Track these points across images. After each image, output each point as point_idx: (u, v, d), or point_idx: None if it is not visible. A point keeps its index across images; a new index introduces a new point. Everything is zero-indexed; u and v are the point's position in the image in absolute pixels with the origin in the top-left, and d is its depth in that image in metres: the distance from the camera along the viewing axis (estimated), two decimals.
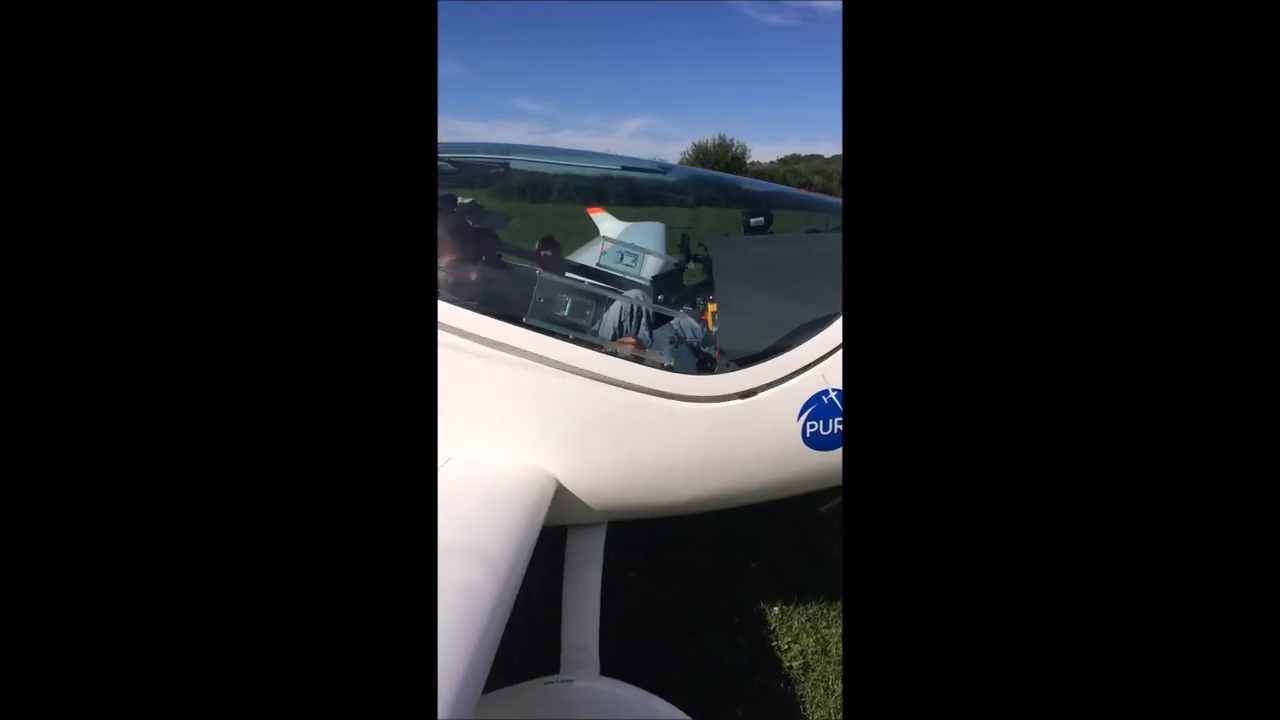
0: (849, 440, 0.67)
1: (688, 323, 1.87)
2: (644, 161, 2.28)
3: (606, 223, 5.84)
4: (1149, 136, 0.61)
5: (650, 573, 2.12)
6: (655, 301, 1.85)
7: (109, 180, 0.61)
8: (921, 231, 0.64)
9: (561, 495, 1.41)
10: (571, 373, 1.36)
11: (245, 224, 0.63)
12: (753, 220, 1.82)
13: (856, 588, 0.64)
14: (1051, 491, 0.61)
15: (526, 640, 1.05)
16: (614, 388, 1.37)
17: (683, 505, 1.59)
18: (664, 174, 2.30)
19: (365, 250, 0.64)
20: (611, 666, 1.49)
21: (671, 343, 1.79)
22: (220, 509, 0.61)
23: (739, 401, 1.36)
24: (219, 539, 0.60)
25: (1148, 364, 0.60)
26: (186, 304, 0.62)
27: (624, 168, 2.17)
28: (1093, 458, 0.60)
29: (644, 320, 1.81)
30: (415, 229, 0.66)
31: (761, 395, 1.36)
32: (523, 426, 1.40)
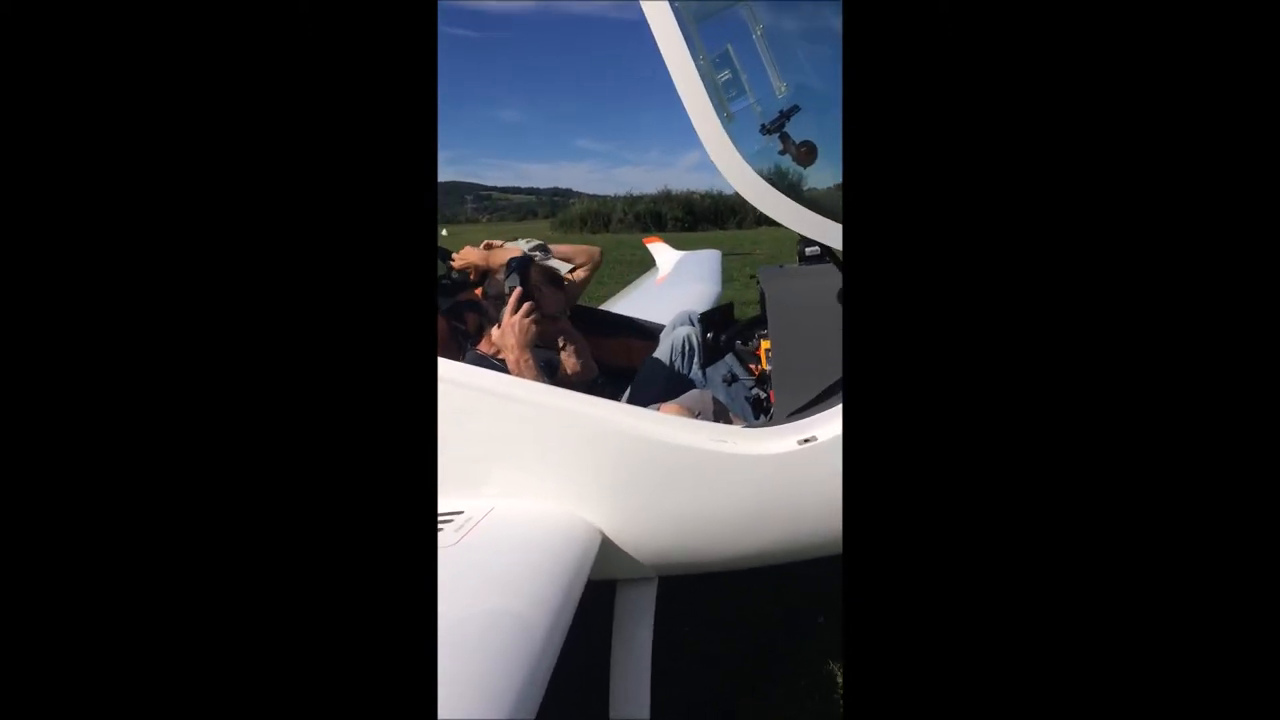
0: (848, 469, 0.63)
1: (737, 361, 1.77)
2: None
3: (663, 253, 5.70)
4: (1164, 139, 0.57)
5: (707, 629, 1.99)
6: (705, 338, 1.76)
7: (95, 185, 0.59)
8: (926, 245, 0.61)
9: (608, 547, 1.33)
10: (618, 415, 1.29)
11: (243, 235, 0.61)
12: (808, 250, 1.72)
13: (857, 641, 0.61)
14: (1054, 526, 0.58)
15: (569, 700, 0.96)
16: (663, 432, 1.28)
17: (741, 558, 1.47)
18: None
19: (364, 266, 0.62)
20: None
21: (724, 381, 1.69)
22: (213, 523, 0.59)
23: (799, 448, 1.25)
24: (201, 554, 0.59)
25: (1165, 402, 0.57)
26: (181, 319, 0.60)
27: None
28: (1103, 498, 0.58)
29: (695, 358, 1.72)
30: (415, 247, 0.64)
31: (823, 441, 1.25)
32: (568, 475, 1.33)
